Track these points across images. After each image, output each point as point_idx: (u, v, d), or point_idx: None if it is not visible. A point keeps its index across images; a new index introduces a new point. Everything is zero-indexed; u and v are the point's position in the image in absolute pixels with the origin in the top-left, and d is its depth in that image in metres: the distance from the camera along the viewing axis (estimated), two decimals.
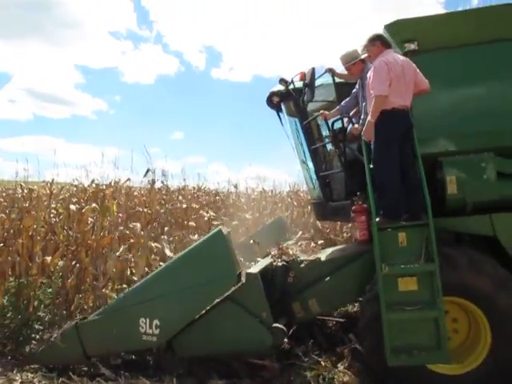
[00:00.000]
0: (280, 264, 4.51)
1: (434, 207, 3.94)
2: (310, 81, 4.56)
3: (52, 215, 7.33)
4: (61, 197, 8.11)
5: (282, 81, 4.74)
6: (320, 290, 4.34)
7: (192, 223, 7.81)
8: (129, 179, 8.08)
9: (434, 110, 4.09)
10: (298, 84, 4.71)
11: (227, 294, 3.94)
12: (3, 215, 6.60)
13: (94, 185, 8.54)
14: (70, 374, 4.22)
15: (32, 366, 4.44)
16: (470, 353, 3.83)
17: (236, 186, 10.15)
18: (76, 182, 8.69)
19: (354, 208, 4.25)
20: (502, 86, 4.10)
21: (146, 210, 8.36)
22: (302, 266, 4.57)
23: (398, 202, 3.82)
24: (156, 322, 3.97)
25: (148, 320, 3.98)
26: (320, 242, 6.31)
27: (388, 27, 4.16)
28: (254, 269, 4.16)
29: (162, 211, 8.38)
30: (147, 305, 4.00)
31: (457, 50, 4.12)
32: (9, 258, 5.80)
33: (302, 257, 4.69)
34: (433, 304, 3.52)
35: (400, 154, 3.85)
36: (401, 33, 4.18)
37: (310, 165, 4.96)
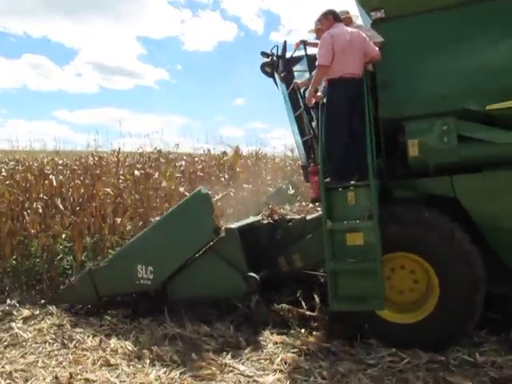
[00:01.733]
0: (266, 222, 5.15)
1: (398, 169, 4.30)
2: (282, 53, 4.96)
3: (120, 181, 8.47)
4: (126, 164, 9.27)
5: (264, 54, 5.12)
6: (302, 246, 4.85)
7: None
8: None
9: (397, 75, 4.26)
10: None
11: (209, 245, 4.71)
12: (78, 181, 7.82)
13: (155, 152, 9.75)
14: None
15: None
16: (424, 303, 4.14)
17: (292, 151, 10.67)
18: (140, 150, 9.86)
19: (309, 169, 4.66)
20: (464, 49, 4.15)
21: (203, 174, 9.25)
22: (290, 224, 5.15)
23: (344, 165, 4.15)
24: (150, 268, 4.74)
25: (144, 267, 4.76)
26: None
27: None
28: (235, 225, 4.87)
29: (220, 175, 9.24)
30: (143, 254, 4.79)
31: (421, 16, 4.22)
32: (84, 219, 6.87)
33: (291, 216, 5.25)
34: (373, 257, 3.88)
35: (352, 120, 4.17)
36: (368, 2, 4.37)
37: (296, 130, 5.34)
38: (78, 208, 7.23)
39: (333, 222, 3.98)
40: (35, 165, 8.59)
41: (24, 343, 4.40)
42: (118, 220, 6.93)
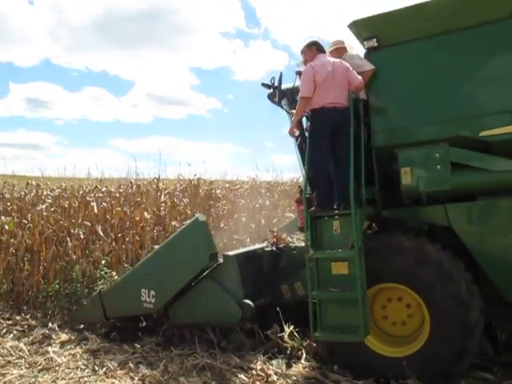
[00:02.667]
0: (269, 249, 5.22)
1: (392, 198, 4.27)
2: (278, 84, 5.06)
3: (162, 208, 8.78)
4: (167, 191, 9.51)
5: (264, 85, 5.20)
6: (305, 274, 4.70)
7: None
8: None
9: (389, 102, 4.32)
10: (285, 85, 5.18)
11: (208, 271, 4.86)
12: (119, 208, 8.20)
13: (196, 180, 9.93)
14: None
15: None
16: (416, 338, 4.05)
17: None
18: (181, 178, 10.09)
19: (296, 198, 4.66)
20: (454, 77, 4.12)
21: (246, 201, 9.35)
22: (294, 252, 5.17)
23: (328, 193, 4.18)
24: (152, 292, 4.92)
25: (147, 291, 4.94)
26: None
27: (350, 27, 4.43)
28: (234, 252, 5.02)
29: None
30: (146, 278, 4.98)
31: (412, 44, 4.25)
32: (122, 246, 7.20)
33: (297, 244, 5.27)
34: (355, 287, 3.82)
35: (336, 148, 4.21)
36: (360, 31, 4.41)
37: (300, 159, 5.32)
38: (119, 235, 7.60)
39: (319, 250, 4.02)
40: (80, 192, 8.91)
41: (57, 368, 4.52)
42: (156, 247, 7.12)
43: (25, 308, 6.68)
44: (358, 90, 4.29)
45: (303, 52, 4.48)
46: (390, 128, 4.27)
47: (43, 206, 7.92)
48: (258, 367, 4.23)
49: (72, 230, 7.33)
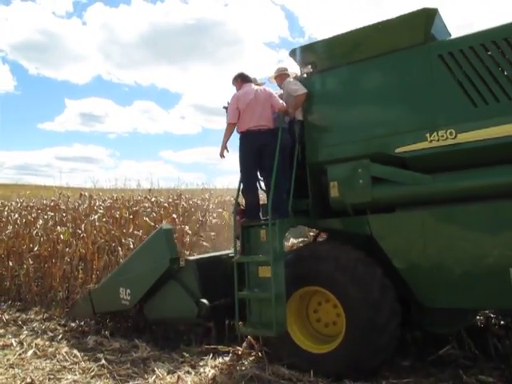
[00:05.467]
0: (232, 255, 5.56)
1: (324, 209, 4.84)
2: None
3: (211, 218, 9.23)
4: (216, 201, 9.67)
5: (224, 107, 5.43)
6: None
7: None
8: None
9: (321, 123, 4.85)
10: None
11: (173, 273, 5.48)
12: (168, 218, 8.40)
13: None
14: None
15: None
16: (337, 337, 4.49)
17: None
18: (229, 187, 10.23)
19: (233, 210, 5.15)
20: (373, 99, 4.56)
21: None
22: None
23: (254, 205, 4.79)
24: (128, 291, 5.71)
25: (124, 289, 5.72)
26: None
27: (290, 55, 5.04)
28: (196, 257, 5.83)
29: None
30: (123, 279, 5.80)
31: (338, 70, 4.77)
32: None
33: None
34: (277, 288, 4.30)
35: (263, 165, 4.79)
36: (299, 58, 5.02)
37: None
38: None
39: (249, 255, 4.61)
40: (131, 203, 9.18)
41: (109, 374, 4.70)
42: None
43: None
44: (282, 113, 4.85)
45: (233, 83, 5.12)
46: (321, 146, 4.81)
47: (95, 217, 8.23)
48: (307, 379, 4.25)
49: (123, 240, 7.76)
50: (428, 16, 4.31)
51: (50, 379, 4.63)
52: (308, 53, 4.91)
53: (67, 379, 4.59)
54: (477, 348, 4.62)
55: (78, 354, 5.29)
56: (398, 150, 4.32)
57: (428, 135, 4.19)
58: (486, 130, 3.98)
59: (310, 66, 4.89)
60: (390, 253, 4.40)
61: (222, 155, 4.92)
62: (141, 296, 5.63)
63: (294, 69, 5.20)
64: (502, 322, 4.97)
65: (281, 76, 5.14)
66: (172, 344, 5.65)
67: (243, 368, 4.57)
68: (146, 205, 9.27)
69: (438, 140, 4.15)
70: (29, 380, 4.54)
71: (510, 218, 3.96)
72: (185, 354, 5.12)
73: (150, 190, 10.44)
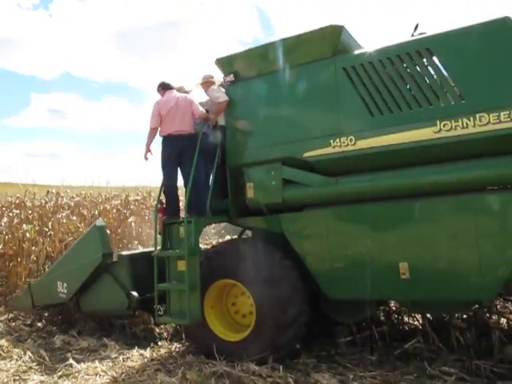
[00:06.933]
0: None
1: (243, 208, 5.23)
2: None
3: None
4: None
5: None
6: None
7: None
8: None
9: (239, 128, 5.25)
10: None
11: (107, 268, 5.79)
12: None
13: None
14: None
15: None
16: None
17: None
18: None
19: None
20: (284, 107, 4.96)
21: None
22: None
23: (174, 203, 5.24)
24: (65, 284, 5.99)
25: (61, 283, 6.00)
26: None
27: (215, 63, 5.40)
28: (128, 252, 6.18)
29: None
30: (61, 272, 6.08)
31: (255, 80, 5.18)
32: None
33: None
34: (191, 280, 4.72)
35: (182, 167, 5.22)
36: (222, 68, 5.42)
37: None
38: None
39: (169, 250, 5.04)
40: (99, 200, 9.04)
41: (76, 374, 4.67)
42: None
43: (46, 314, 6.80)
44: (202, 119, 5.28)
45: (157, 91, 5.50)
46: (240, 149, 5.22)
47: (63, 214, 8.06)
48: (277, 375, 4.27)
49: None
50: (334, 32, 4.70)
51: (15, 380, 4.63)
52: (230, 62, 5.31)
53: (33, 380, 4.58)
54: (441, 341, 4.84)
55: (44, 354, 5.27)
56: (305, 155, 4.75)
57: (332, 141, 4.61)
58: (380, 138, 4.41)
59: (232, 75, 5.30)
60: (298, 249, 4.84)
61: (145, 157, 5.36)
62: (76, 289, 5.93)
63: (219, 76, 5.59)
64: (464, 316, 5.22)
65: (206, 83, 5.52)
66: (142, 342, 5.72)
67: (213, 364, 4.59)
68: (116, 202, 9.18)
69: (340, 146, 4.57)
70: None
71: (401, 216, 4.41)
72: (155, 352, 5.21)
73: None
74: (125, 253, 6.10)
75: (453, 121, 4.09)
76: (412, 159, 4.33)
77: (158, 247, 5.16)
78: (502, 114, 3.91)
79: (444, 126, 4.13)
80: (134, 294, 5.54)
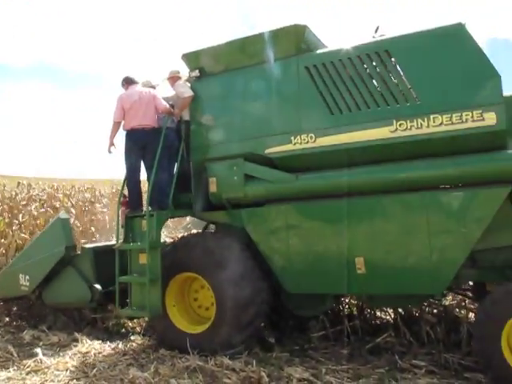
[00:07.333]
0: None
1: (206, 203, 5.30)
2: None
3: None
4: None
5: None
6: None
7: None
8: None
9: (203, 124, 5.30)
10: None
11: (70, 260, 5.80)
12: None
13: None
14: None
15: None
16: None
17: None
18: None
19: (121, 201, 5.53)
20: (247, 104, 5.03)
21: None
22: None
23: (136, 197, 5.27)
24: (27, 277, 5.97)
25: (24, 275, 5.99)
26: None
27: (182, 58, 5.41)
28: (92, 245, 6.20)
29: None
30: (23, 265, 6.05)
31: (219, 76, 5.25)
32: None
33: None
34: (152, 273, 4.79)
35: (144, 161, 5.28)
36: (188, 63, 5.44)
37: None
38: None
39: (131, 243, 5.09)
40: (72, 192, 8.80)
41: (46, 370, 4.56)
42: None
43: (14, 309, 6.64)
44: (166, 114, 5.30)
45: (121, 85, 5.52)
46: (203, 145, 5.29)
47: (33, 207, 7.87)
48: (250, 369, 4.25)
49: None
50: (297, 31, 4.78)
51: None
52: (196, 58, 5.35)
53: (0, 376, 4.43)
54: (411, 335, 4.97)
55: (12, 349, 5.13)
56: (267, 151, 4.85)
57: (293, 138, 4.71)
58: (340, 136, 4.53)
59: (197, 71, 5.34)
60: (258, 243, 4.95)
61: (109, 151, 5.39)
62: (38, 282, 5.91)
63: (185, 72, 5.61)
64: (434, 311, 5.38)
65: (173, 78, 5.58)
66: (114, 337, 5.68)
67: (186, 359, 4.55)
68: (88, 195, 9.02)
69: (301, 143, 4.68)
70: None
71: (357, 213, 4.54)
72: (127, 347, 5.16)
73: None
74: (88, 245, 6.11)
75: (408, 121, 4.24)
76: (370, 157, 4.47)
77: (120, 240, 5.20)
78: (454, 115, 4.08)
79: (400, 125, 4.28)
80: (97, 286, 5.57)
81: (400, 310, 5.36)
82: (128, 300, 5.04)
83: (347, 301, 5.78)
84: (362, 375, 4.21)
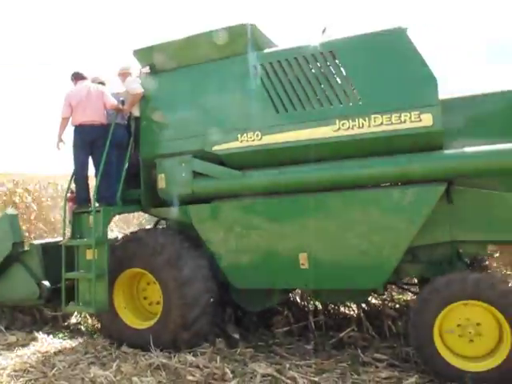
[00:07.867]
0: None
1: (155, 199, 5.33)
2: None
3: None
4: None
5: None
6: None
7: None
8: None
9: (152, 120, 5.34)
10: None
11: (17, 257, 5.77)
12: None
13: None
14: None
15: None
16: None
17: None
18: None
19: (68, 198, 5.58)
20: (195, 100, 5.09)
21: None
22: None
23: (84, 193, 5.29)
24: None
25: None
26: None
27: (133, 54, 5.42)
28: (40, 241, 6.12)
29: None
30: None
31: (169, 73, 5.28)
32: None
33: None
34: (99, 269, 4.85)
35: (93, 157, 5.30)
36: (140, 59, 5.47)
37: None
38: None
39: (78, 239, 5.10)
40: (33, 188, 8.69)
41: (2, 371, 4.47)
42: None
43: None
44: (115, 110, 5.31)
45: (71, 80, 5.51)
46: (153, 141, 5.33)
47: None
48: (214, 365, 4.30)
49: (23, 226, 7.69)
50: (244, 30, 4.85)
51: None
52: (147, 54, 5.37)
53: None
54: (374, 330, 5.13)
55: None
56: (215, 148, 4.92)
57: (239, 136, 4.80)
58: (285, 134, 4.63)
59: (148, 67, 5.40)
60: (205, 239, 5.05)
61: (57, 147, 5.38)
62: None
63: (137, 68, 5.64)
64: (396, 306, 5.58)
65: (124, 74, 5.61)
66: (76, 335, 5.66)
67: (150, 356, 4.57)
68: (50, 191, 8.90)
69: (247, 141, 4.76)
70: None
71: (301, 210, 4.66)
72: (89, 345, 5.11)
73: None
74: (36, 242, 6.08)
75: (350, 120, 4.38)
76: (314, 156, 4.58)
77: (67, 236, 5.20)
78: (393, 116, 4.24)
79: (343, 125, 4.41)
80: (46, 283, 5.57)
81: (363, 305, 5.51)
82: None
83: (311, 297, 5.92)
84: (325, 370, 4.30)
